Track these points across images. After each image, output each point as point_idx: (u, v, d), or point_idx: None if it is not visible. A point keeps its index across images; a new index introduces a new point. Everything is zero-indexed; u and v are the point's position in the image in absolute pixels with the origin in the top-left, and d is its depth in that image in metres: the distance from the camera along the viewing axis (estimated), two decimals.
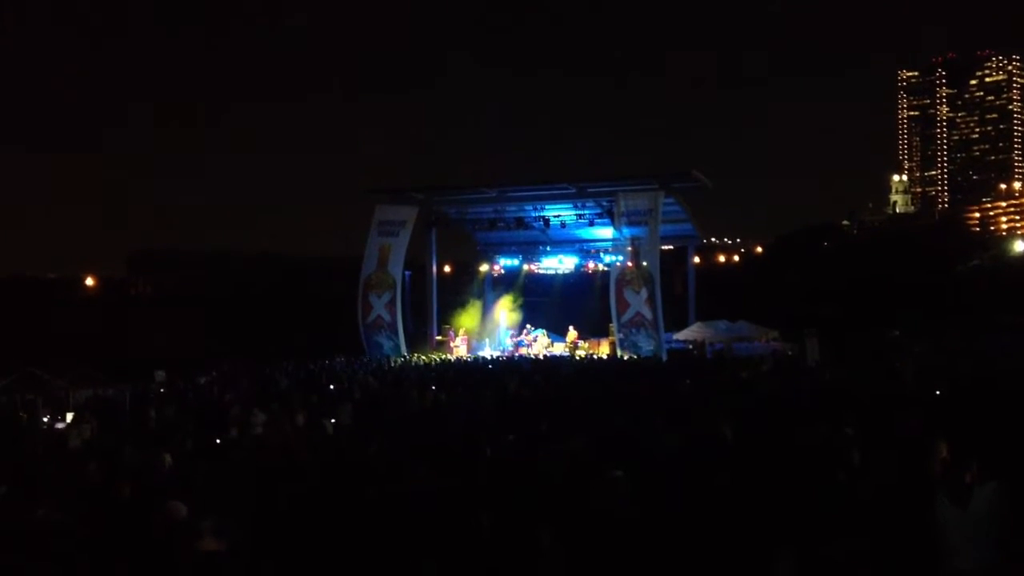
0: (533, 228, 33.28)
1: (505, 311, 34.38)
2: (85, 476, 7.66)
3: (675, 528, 5.34)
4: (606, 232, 30.62)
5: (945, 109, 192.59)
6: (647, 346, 26.19)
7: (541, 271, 36.23)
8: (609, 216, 28.91)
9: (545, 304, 34.58)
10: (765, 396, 13.43)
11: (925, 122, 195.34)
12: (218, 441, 10.95)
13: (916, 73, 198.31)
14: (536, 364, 24.34)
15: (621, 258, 27.65)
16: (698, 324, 31.56)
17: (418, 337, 32.48)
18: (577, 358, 26.88)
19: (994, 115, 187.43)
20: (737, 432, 8.13)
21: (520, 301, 34.53)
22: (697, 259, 39.83)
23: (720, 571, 4.96)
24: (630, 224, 27.31)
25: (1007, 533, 4.90)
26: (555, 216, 31.44)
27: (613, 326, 27.68)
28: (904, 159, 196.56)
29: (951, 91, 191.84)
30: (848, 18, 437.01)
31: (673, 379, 17.25)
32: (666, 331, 27.71)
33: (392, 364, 25.41)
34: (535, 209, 31.76)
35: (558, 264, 35.66)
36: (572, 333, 31.30)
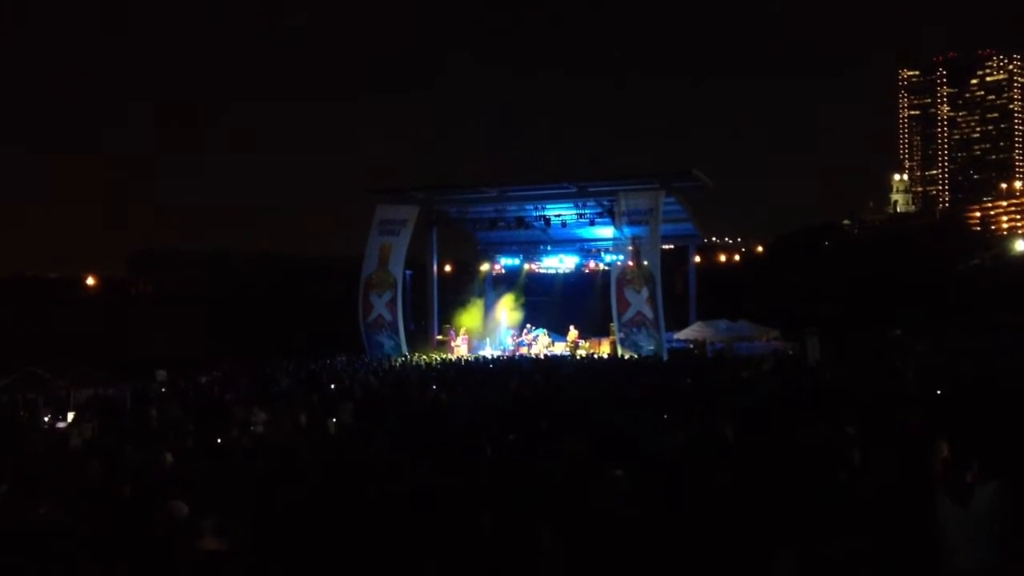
0: (534, 227, 33.28)
1: (506, 310, 34.37)
2: (86, 475, 7.66)
3: (675, 528, 5.33)
4: (607, 231, 30.61)
5: (946, 108, 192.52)
6: (648, 345, 26.19)
7: (542, 270, 36.23)
8: (610, 215, 28.90)
9: (546, 304, 34.57)
10: (766, 395, 13.44)
11: (926, 121, 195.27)
12: (219, 440, 10.95)
13: (917, 72, 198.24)
14: (537, 364, 24.36)
15: (622, 257, 27.64)
16: (699, 323, 31.55)
17: (419, 336, 32.49)
18: (578, 358, 26.87)
19: (995, 114, 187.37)
20: (738, 431, 8.12)
21: (521, 300, 34.53)
22: (698, 258, 39.83)
23: (720, 571, 4.95)
24: (631, 223, 27.31)
25: (1008, 532, 4.90)
26: (556, 215, 31.44)
27: (614, 325, 27.68)
28: (905, 158, 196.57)
29: (952, 90, 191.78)
30: (848, 18, 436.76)
31: (674, 378, 17.26)
32: (667, 330, 27.70)
33: (393, 364, 25.42)
34: (536, 208, 31.76)
35: (559, 263, 35.67)
36: (573, 332, 31.30)
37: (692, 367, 21.38)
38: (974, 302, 46.05)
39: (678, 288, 34.96)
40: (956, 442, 5.92)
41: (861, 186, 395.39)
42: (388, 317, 30.34)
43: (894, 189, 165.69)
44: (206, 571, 4.70)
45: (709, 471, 6.41)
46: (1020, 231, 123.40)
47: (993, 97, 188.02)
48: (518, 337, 32.55)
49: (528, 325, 33.00)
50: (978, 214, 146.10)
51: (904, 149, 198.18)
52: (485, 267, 36.97)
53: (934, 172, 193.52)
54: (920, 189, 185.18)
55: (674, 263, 34.92)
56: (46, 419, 15.54)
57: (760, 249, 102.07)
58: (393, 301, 30.38)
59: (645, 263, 26.83)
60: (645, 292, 26.54)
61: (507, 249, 36.40)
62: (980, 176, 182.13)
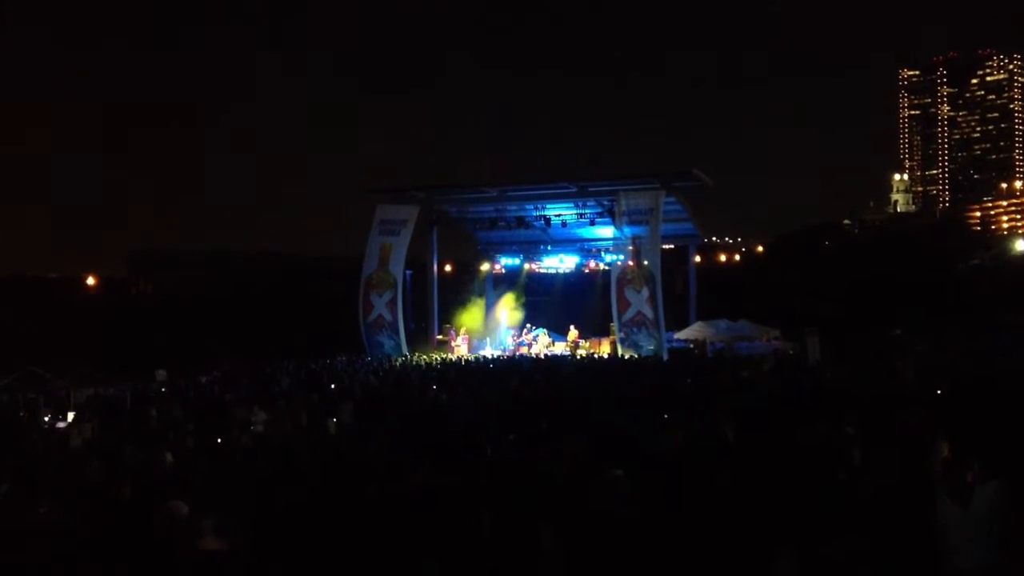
0: (534, 227, 33.28)
1: (506, 310, 34.38)
2: (86, 475, 7.66)
3: (675, 528, 5.33)
4: (607, 231, 30.61)
5: (946, 108, 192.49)
6: (648, 345, 26.19)
7: (542, 270, 36.23)
8: (610, 215, 28.90)
9: (546, 303, 34.58)
10: (766, 395, 13.45)
11: (926, 121, 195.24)
12: (219, 440, 10.95)
13: (917, 72, 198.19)
14: (537, 363, 24.36)
15: (622, 257, 27.64)
16: (699, 323, 31.55)
17: (419, 336, 32.50)
18: (578, 357, 26.88)
19: (995, 114, 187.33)
20: (738, 431, 8.12)
21: (521, 300, 34.54)
22: (698, 258, 39.82)
23: (720, 571, 4.95)
24: (631, 223, 27.31)
25: (1008, 532, 4.89)
26: (556, 215, 31.44)
27: (614, 325, 27.68)
28: (905, 158, 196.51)
29: (952, 90, 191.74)
30: (848, 18, 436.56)
31: (674, 378, 17.26)
32: (667, 330, 27.70)
33: (393, 363, 25.43)
34: (536, 208, 31.76)
35: (559, 263, 35.67)
36: (573, 332, 31.31)
37: (692, 367, 21.37)
38: (974, 302, 46.06)
39: (678, 288, 34.96)
40: (956, 442, 5.92)
41: (861, 186, 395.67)
42: (388, 317, 30.35)
43: (894, 189, 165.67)
44: (206, 571, 4.70)
45: (709, 471, 6.41)
46: (1020, 231, 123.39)
47: (993, 97, 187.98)
48: (518, 337, 32.55)
49: (528, 325, 33.01)
50: (978, 214, 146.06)
51: (904, 149, 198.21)
52: (485, 267, 36.97)
53: (934, 172, 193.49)
54: (920, 189, 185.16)
55: (674, 263, 34.92)
56: (46, 419, 15.54)
57: (760, 249, 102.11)
58: (393, 301, 30.39)
59: (645, 263, 26.83)
60: (645, 292, 26.54)
61: (507, 249, 36.41)
62: (980, 176, 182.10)
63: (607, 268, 31.08)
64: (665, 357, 25.25)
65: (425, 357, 27.97)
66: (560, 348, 30.84)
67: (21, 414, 15.96)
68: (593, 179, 30.51)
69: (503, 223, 32.74)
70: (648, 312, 26.44)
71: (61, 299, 64.24)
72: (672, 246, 34.91)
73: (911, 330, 31.55)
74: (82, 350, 33.18)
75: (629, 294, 26.85)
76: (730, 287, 49.37)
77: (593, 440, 8.40)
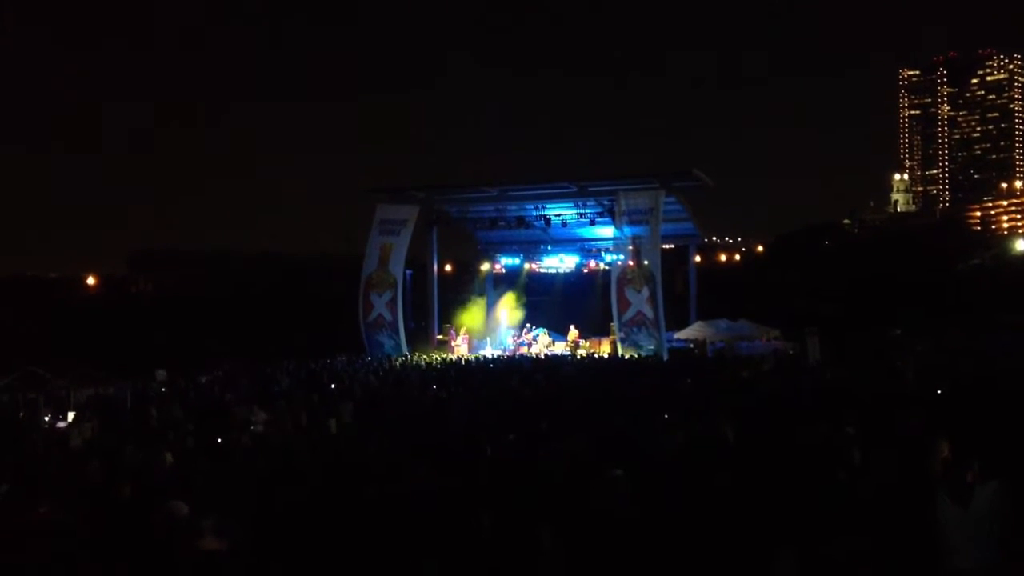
0: (534, 227, 33.28)
1: (506, 310, 34.40)
2: (86, 475, 7.66)
3: (675, 528, 5.33)
4: (607, 231, 30.62)
5: (946, 108, 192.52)
6: (648, 345, 26.20)
7: (542, 270, 36.25)
8: (610, 215, 28.90)
9: (546, 303, 34.59)
10: (766, 395, 13.45)
11: (926, 121, 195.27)
12: (219, 440, 10.95)
13: (917, 72, 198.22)
14: (537, 363, 24.36)
15: (622, 257, 27.65)
16: (699, 323, 31.56)
17: (419, 336, 32.52)
18: (578, 357, 26.88)
19: (995, 114, 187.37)
20: (738, 431, 8.12)
21: (521, 300, 34.55)
22: (698, 258, 39.85)
23: (720, 571, 4.95)
24: (631, 223, 27.31)
25: (1008, 532, 4.89)
26: (556, 215, 31.45)
27: (614, 325, 27.69)
28: (905, 158, 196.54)
29: (952, 90, 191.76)
30: (848, 18, 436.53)
31: (674, 378, 17.26)
32: (667, 330, 27.71)
33: (393, 363, 25.43)
34: (536, 208, 31.77)
35: (559, 263, 35.68)
36: (573, 332, 31.32)
37: (692, 367, 21.38)
38: (974, 302, 46.07)
39: (678, 288, 35.00)
40: (956, 442, 5.92)
41: (861, 186, 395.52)
42: (388, 317, 30.37)
43: (894, 189, 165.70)
44: (206, 571, 4.70)
45: (709, 471, 6.41)
46: (1020, 231, 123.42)
47: (993, 97, 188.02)
48: (518, 337, 32.56)
49: (528, 325, 33.02)
50: (978, 214, 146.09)
51: (904, 149, 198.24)
52: (485, 267, 36.98)
53: (934, 172, 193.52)
54: (920, 189, 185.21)
55: (674, 263, 34.95)
56: (46, 419, 15.53)
57: (760, 249, 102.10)
58: (393, 301, 30.41)
59: (645, 263, 26.84)
60: (645, 292, 26.55)
61: (507, 249, 36.42)
62: (980, 176, 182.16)
63: (607, 268, 31.09)
64: (665, 357, 25.26)
65: (425, 357, 27.98)
66: (560, 348, 30.85)
67: (21, 414, 15.95)
68: (593, 179, 30.52)
69: (503, 223, 32.75)
70: (648, 312, 26.45)
71: (61, 299, 64.25)
72: (672, 246, 34.94)
73: (911, 330, 31.57)
74: (82, 350, 33.19)
75: (629, 294, 26.86)
76: (730, 287, 49.39)
77: (593, 440, 8.40)
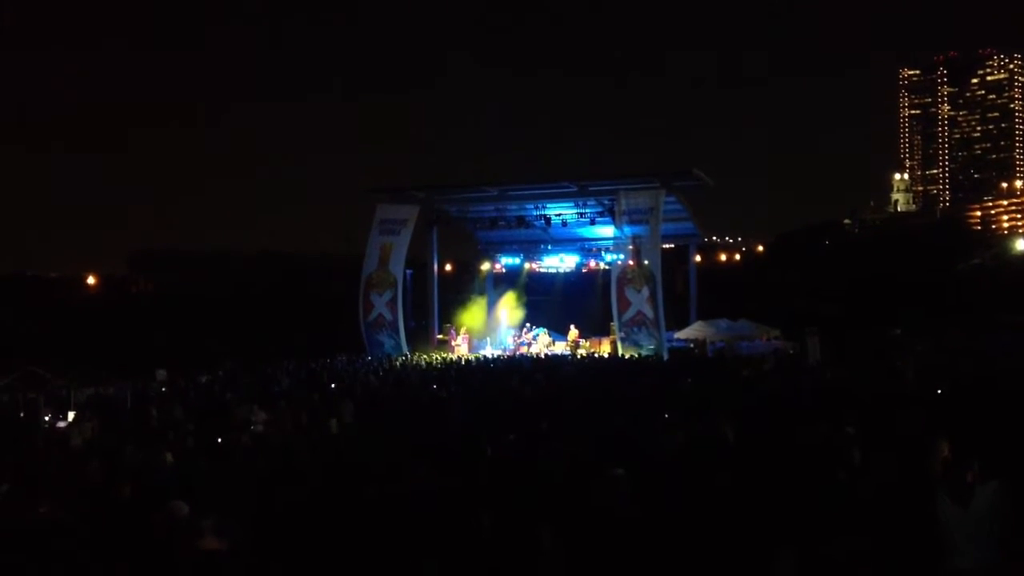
0: (534, 227, 33.28)
1: (506, 310, 34.39)
2: (86, 475, 7.66)
3: (675, 527, 5.34)
4: (607, 231, 30.63)
5: (946, 108, 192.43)
6: (648, 345, 26.20)
7: (542, 270, 36.25)
8: (610, 215, 28.90)
9: (546, 303, 34.59)
10: (766, 395, 13.45)
11: (926, 121, 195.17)
12: (219, 440, 10.95)
13: (917, 72, 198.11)
14: (537, 363, 24.37)
15: (622, 257, 27.65)
16: (699, 323, 31.57)
17: (419, 336, 32.53)
18: (578, 357, 26.89)
19: (995, 114, 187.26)
20: (738, 431, 8.13)
21: (522, 300, 34.55)
22: (698, 258, 39.84)
23: (720, 570, 4.95)
24: (631, 223, 27.32)
25: (1008, 532, 4.89)
26: (556, 215, 31.45)
27: (614, 325, 27.69)
28: (905, 158, 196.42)
29: (952, 90, 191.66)
30: (848, 18, 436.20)
31: (674, 378, 17.27)
32: (667, 330, 27.72)
33: (393, 363, 25.43)
34: (536, 208, 31.77)
35: (559, 263, 35.68)
36: (573, 332, 31.32)
37: (692, 366, 21.38)
38: (974, 302, 46.10)
39: (678, 287, 35.02)
40: (956, 442, 5.92)
41: (861, 186, 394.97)
42: (388, 316, 30.38)
43: (894, 188, 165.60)
44: (206, 571, 4.70)
45: (709, 471, 6.41)
46: (1021, 230, 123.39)
47: (994, 96, 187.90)
48: (519, 336, 32.56)
49: (528, 324, 33.02)
50: (979, 213, 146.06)
51: (904, 148, 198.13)
52: (486, 266, 36.98)
53: (934, 171, 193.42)
54: (921, 188, 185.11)
55: (674, 262, 34.96)
56: (46, 419, 15.50)
57: (760, 248, 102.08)
58: (393, 300, 30.42)
59: (646, 262, 26.84)
60: (645, 291, 26.55)
61: (508, 248, 36.42)
62: (981, 175, 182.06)
63: (607, 267, 31.09)
64: (665, 357, 25.26)
65: (425, 357, 27.98)
66: (560, 347, 30.85)
67: (21, 414, 15.94)
68: (593, 178, 30.54)
69: (503, 222, 32.75)
70: (648, 312, 26.45)
71: (61, 299, 64.26)
72: (672, 245, 34.94)
73: (911, 330, 31.59)
74: (82, 350, 33.23)
75: (629, 293, 26.86)
76: (730, 287, 49.40)
77: (593, 440, 8.41)
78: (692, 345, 28.93)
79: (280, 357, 26.03)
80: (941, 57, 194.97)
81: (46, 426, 14.75)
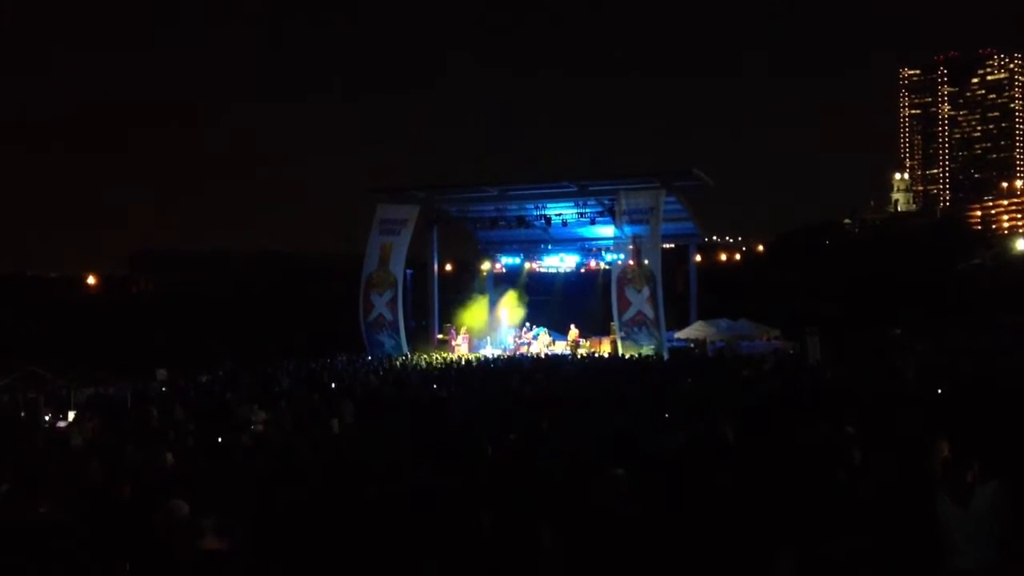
0: (534, 226, 33.28)
1: (507, 309, 34.39)
2: (87, 475, 7.65)
3: (675, 527, 5.34)
4: (607, 230, 30.62)
5: (947, 107, 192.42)
6: (648, 344, 26.20)
7: (542, 269, 36.26)
8: (610, 214, 28.90)
9: (546, 303, 34.60)
10: (766, 395, 13.45)
11: (927, 120, 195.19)
12: (219, 440, 10.95)
13: (918, 71, 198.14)
14: (537, 363, 24.37)
15: (622, 256, 27.65)
16: (700, 323, 31.57)
17: (419, 335, 32.53)
18: (578, 357, 26.89)
19: (996, 113, 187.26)
20: (738, 431, 8.13)
21: (522, 300, 34.54)
22: (699, 257, 39.85)
23: (720, 570, 4.96)
24: (631, 222, 27.32)
25: (1008, 532, 4.89)
26: (556, 214, 31.44)
27: (615, 324, 27.69)
28: (906, 157, 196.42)
29: (953, 89, 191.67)
30: (848, 18, 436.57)
31: (674, 378, 17.27)
32: (668, 329, 27.72)
33: (394, 363, 25.43)
34: (536, 207, 31.77)
35: (559, 262, 35.69)
36: (573, 331, 31.31)
37: (693, 366, 21.37)
38: (974, 302, 46.11)
39: (679, 287, 35.03)
40: (956, 442, 5.92)
41: (862, 185, 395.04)
42: (389, 316, 30.38)
43: (895, 188, 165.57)
44: (206, 571, 4.70)
45: (709, 471, 6.41)
46: (1021, 230, 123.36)
47: (994, 96, 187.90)
48: (519, 336, 32.56)
49: (528, 324, 33.02)
50: (979, 213, 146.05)
51: (905, 148, 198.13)
52: (486, 266, 36.98)
53: (935, 171, 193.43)
54: (921, 188, 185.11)
55: (675, 262, 34.98)
56: (47, 418, 15.51)
57: (761, 248, 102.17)
58: (394, 300, 30.43)
59: (646, 262, 26.84)
60: (646, 291, 26.55)
61: (508, 248, 36.42)
62: (981, 175, 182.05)
63: (607, 267, 31.10)
64: (666, 356, 25.25)
65: (426, 356, 27.97)
66: (560, 347, 30.84)
67: (22, 414, 15.94)
68: (593, 178, 30.54)
69: (503, 222, 32.75)
70: (648, 311, 26.45)
71: (62, 298, 64.31)
72: (672, 245, 34.96)
73: (911, 330, 31.60)
74: (82, 350, 33.24)
75: (629, 293, 26.86)
76: (730, 286, 49.41)
77: (593, 440, 8.41)
78: (692, 345, 28.93)
79: (280, 357, 26.03)
80: (941, 57, 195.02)
81: (46, 426, 14.75)
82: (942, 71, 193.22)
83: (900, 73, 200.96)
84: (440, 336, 32.27)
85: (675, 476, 6.47)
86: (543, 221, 32.11)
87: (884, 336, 29.95)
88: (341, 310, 34.66)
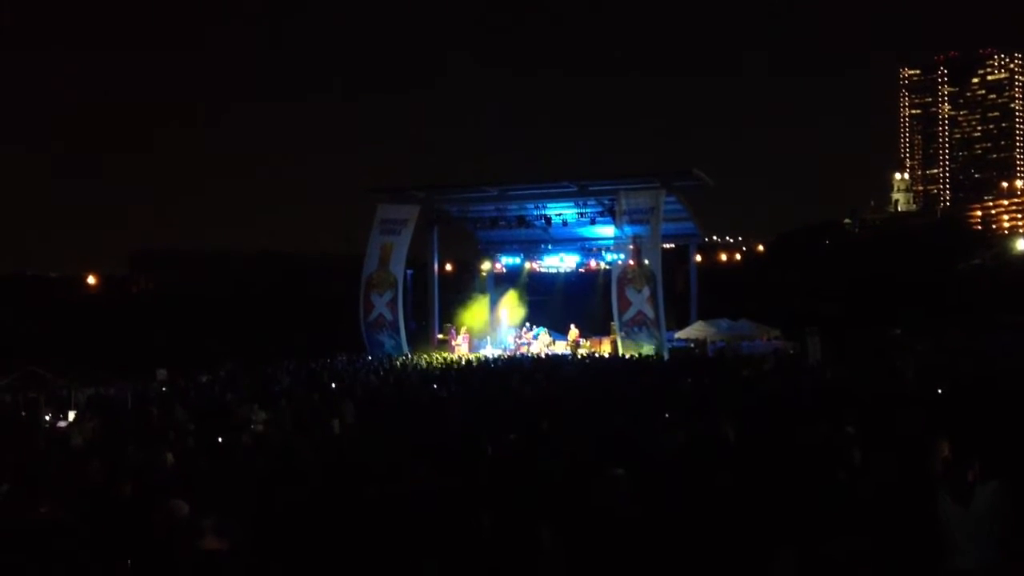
0: (535, 226, 33.29)
1: (507, 309, 34.40)
2: (87, 475, 7.66)
3: (675, 527, 5.34)
4: (608, 230, 30.63)
5: (947, 107, 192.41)
6: (649, 344, 26.20)
7: (543, 269, 36.28)
8: (611, 214, 28.91)
9: (547, 303, 34.62)
10: (766, 395, 13.45)
11: (927, 120, 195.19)
12: (220, 440, 10.96)
13: (918, 71, 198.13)
14: (538, 363, 24.38)
15: (623, 256, 27.66)
16: (700, 322, 31.57)
17: (420, 335, 32.55)
18: (579, 357, 26.89)
19: (996, 113, 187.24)
20: (738, 431, 8.13)
21: (523, 299, 34.56)
22: (699, 257, 39.87)
23: (720, 570, 4.96)
24: (632, 222, 27.33)
25: (1009, 532, 4.89)
26: (557, 214, 31.45)
27: (615, 324, 27.70)
28: (906, 157, 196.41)
29: (953, 89, 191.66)
30: (848, 18, 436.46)
31: (675, 378, 17.27)
32: (668, 329, 27.74)
33: (394, 363, 25.44)
34: (536, 207, 31.78)
35: (560, 262, 35.71)
36: (574, 332, 31.32)
37: (693, 366, 21.38)
38: (974, 302, 46.11)
39: (679, 287, 35.02)
40: (957, 441, 5.91)
41: (862, 185, 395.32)
42: (389, 316, 30.39)
43: (895, 188, 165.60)
44: (206, 571, 4.70)
45: (710, 471, 6.41)
46: (1021, 230, 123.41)
47: (994, 96, 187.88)
48: (519, 336, 32.57)
49: (528, 324, 33.03)
50: (979, 213, 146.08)
51: (905, 148, 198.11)
52: (486, 266, 36.99)
53: (935, 171, 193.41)
54: (921, 188, 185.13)
55: (675, 262, 34.96)
56: (47, 418, 15.53)
57: (761, 248, 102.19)
58: (394, 300, 30.44)
59: (646, 262, 26.85)
60: (646, 291, 26.56)
61: (508, 248, 36.44)
62: (981, 175, 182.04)
63: (608, 267, 31.11)
64: (666, 356, 25.26)
65: (426, 356, 27.98)
66: (561, 347, 30.85)
67: (22, 414, 15.95)
68: (594, 178, 30.56)
69: (504, 222, 32.76)
70: (649, 311, 26.46)
71: (62, 298, 64.33)
72: (673, 245, 34.96)
73: (911, 329, 31.60)
74: (82, 350, 33.26)
75: (630, 293, 26.87)
76: (731, 286, 49.42)
77: (593, 440, 8.41)
78: (692, 345, 28.93)
79: (280, 357, 26.04)
80: (941, 57, 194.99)
81: (46, 426, 14.76)
82: (942, 71, 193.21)
83: (900, 73, 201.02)
84: (440, 336, 32.28)
85: (675, 476, 6.47)
86: (543, 221, 32.11)
87: (884, 336, 29.95)
88: (341, 310, 34.69)
